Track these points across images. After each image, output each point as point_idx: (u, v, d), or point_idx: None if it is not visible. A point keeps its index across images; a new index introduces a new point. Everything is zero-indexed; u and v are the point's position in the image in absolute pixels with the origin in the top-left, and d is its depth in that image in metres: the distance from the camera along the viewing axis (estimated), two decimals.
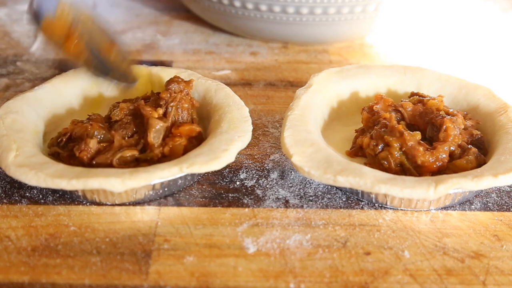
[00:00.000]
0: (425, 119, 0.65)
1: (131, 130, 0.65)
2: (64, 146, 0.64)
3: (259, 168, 0.68)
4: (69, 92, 0.72)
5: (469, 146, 0.63)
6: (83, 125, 0.64)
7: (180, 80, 0.68)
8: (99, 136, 0.63)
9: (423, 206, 0.62)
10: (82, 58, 0.72)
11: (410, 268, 0.56)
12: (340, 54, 0.96)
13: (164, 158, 0.62)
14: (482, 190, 0.65)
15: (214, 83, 0.72)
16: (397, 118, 0.66)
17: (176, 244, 0.58)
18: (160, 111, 0.64)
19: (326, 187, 0.66)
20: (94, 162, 0.61)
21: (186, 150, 0.63)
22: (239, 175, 0.67)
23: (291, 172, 0.68)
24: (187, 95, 0.67)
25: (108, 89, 0.74)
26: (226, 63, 0.93)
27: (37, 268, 0.55)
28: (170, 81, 0.68)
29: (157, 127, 0.63)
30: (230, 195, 0.64)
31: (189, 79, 0.72)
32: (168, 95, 0.66)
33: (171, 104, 0.65)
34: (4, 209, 0.62)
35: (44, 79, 0.81)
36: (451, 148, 0.62)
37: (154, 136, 0.62)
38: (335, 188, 0.65)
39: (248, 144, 0.67)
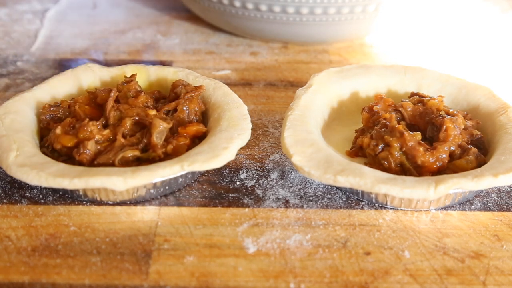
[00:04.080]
0: (425, 119, 0.65)
1: (132, 131, 0.65)
2: (53, 150, 0.64)
3: (259, 168, 0.68)
4: (67, 92, 0.72)
5: (469, 146, 0.63)
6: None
7: (186, 83, 0.70)
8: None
9: (423, 206, 0.62)
10: None
11: (410, 268, 0.56)
12: (340, 54, 0.96)
13: (166, 157, 0.62)
14: (482, 190, 0.65)
15: (212, 82, 0.72)
16: (397, 118, 0.66)
17: (176, 244, 0.58)
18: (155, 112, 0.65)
19: (326, 187, 0.66)
20: (95, 163, 0.61)
21: (189, 149, 0.63)
22: (239, 175, 0.67)
23: (291, 172, 0.68)
24: (197, 97, 0.68)
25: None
26: (226, 63, 0.93)
27: (37, 268, 0.55)
28: (179, 82, 0.70)
29: (160, 128, 0.63)
30: (230, 195, 0.64)
31: (186, 78, 0.73)
32: (182, 94, 0.67)
33: (182, 102, 0.67)
34: (4, 209, 0.62)
35: (44, 79, 0.81)
36: (451, 148, 0.62)
37: (157, 136, 0.62)
38: (335, 188, 0.65)
39: (248, 144, 0.67)
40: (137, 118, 0.64)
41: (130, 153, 0.62)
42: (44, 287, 0.54)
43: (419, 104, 0.67)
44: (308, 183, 0.66)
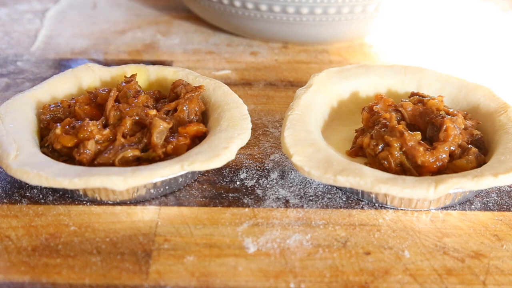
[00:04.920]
0: (425, 119, 0.65)
1: (132, 130, 0.65)
2: (53, 150, 0.64)
3: (259, 168, 0.68)
4: (67, 92, 0.72)
5: (469, 146, 0.63)
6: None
7: (186, 83, 0.70)
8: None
9: (423, 206, 0.62)
10: None
11: (410, 268, 0.56)
12: (340, 54, 0.96)
13: (166, 157, 0.62)
14: (482, 190, 0.65)
15: (212, 82, 0.72)
16: (397, 118, 0.66)
17: (176, 244, 0.58)
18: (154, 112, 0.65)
19: (326, 187, 0.66)
20: (95, 163, 0.61)
21: (189, 149, 0.63)
22: (239, 175, 0.67)
23: (291, 172, 0.68)
24: (197, 97, 0.68)
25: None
26: (226, 63, 0.93)
27: (37, 268, 0.55)
28: (179, 82, 0.70)
29: (160, 128, 0.63)
30: (230, 195, 0.64)
31: (186, 78, 0.73)
32: (182, 94, 0.68)
33: (182, 102, 0.67)
34: (4, 209, 0.62)
35: (44, 79, 0.81)
36: (451, 148, 0.62)
37: (157, 136, 0.62)
38: (335, 188, 0.65)
39: (248, 144, 0.67)
40: (137, 118, 0.64)
41: (130, 153, 0.62)
42: (44, 287, 0.54)
43: (419, 104, 0.67)
44: (308, 183, 0.66)
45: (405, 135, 0.62)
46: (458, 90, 0.72)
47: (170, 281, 0.54)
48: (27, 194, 0.64)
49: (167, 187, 0.63)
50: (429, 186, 0.57)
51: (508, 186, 0.66)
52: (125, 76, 0.71)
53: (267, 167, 0.69)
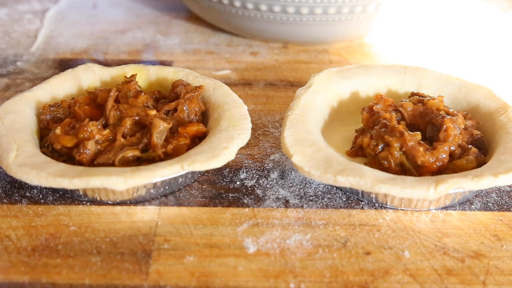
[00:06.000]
0: (425, 119, 0.65)
1: (132, 131, 0.65)
2: (53, 150, 0.64)
3: (259, 168, 0.68)
4: (67, 92, 0.72)
5: (469, 146, 0.63)
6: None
7: (186, 83, 0.70)
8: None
9: (423, 206, 0.62)
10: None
11: (410, 268, 0.56)
12: (340, 54, 0.96)
13: (166, 157, 0.63)
14: (482, 190, 0.65)
15: (212, 82, 0.72)
16: (397, 118, 0.66)
17: (176, 244, 0.58)
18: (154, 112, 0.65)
19: (326, 187, 0.66)
20: (95, 163, 0.61)
21: (189, 149, 0.63)
22: (239, 175, 0.67)
23: (291, 172, 0.68)
24: (197, 97, 0.68)
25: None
26: (226, 63, 0.93)
27: (37, 268, 0.55)
28: (179, 82, 0.70)
29: (160, 128, 0.63)
30: (230, 195, 0.64)
31: (186, 78, 0.73)
32: (182, 94, 0.68)
33: (182, 102, 0.67)
34: (4, 209, 0.62)
35: (44, 79, 0.81)
36: (451, 148, 0.62)
37: (157, 136, 0.62)
38: (335, 188, 0.65)
39: (248, 144, 0.67)
40: (137, 118, 0.64)
41: (130, 153, 0.62)
42: (44, 287, 0.54)
43: (419, 104, 0.67)
44: (308, 183, 0.66)
45: (405, 135, 0.62)
46: (458, 90, 0.73)
47: (170, 281, 0.54)
48: (27, 194, 0.64)
49: (167, 187, 0.63)
50: (429, 186, 0.57)
51: (508, 186, 0.66)
52: (125, 76, 0.71)
53: (267, 167, 0.69)
